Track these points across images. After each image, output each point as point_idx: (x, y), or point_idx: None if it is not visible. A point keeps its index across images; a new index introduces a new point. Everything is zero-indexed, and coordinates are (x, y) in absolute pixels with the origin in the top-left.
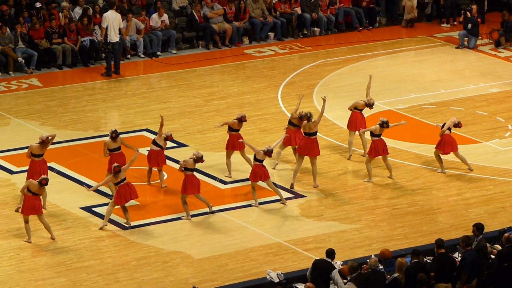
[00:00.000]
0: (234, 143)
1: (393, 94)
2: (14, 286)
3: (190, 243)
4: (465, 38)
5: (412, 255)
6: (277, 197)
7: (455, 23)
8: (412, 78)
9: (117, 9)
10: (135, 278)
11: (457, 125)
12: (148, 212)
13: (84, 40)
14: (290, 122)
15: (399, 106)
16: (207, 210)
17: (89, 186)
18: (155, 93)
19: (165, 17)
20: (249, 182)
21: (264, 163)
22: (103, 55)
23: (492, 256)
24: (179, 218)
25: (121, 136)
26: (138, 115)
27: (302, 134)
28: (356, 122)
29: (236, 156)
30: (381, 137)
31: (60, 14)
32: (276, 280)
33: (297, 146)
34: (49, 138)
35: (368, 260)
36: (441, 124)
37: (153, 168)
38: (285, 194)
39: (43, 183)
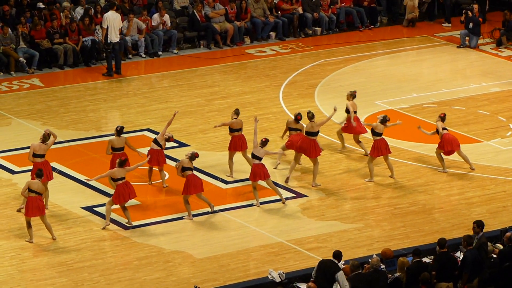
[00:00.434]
0: (236, 144)
1: (395, 93)
2: (15, 286)
3: (191, 243)
4: (467, 38)
5: (413, 255)
6: (278, 197)
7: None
8: (414, 78)
9: (117, 9)
10: (137, 278)
11: (443, 118)
12: (150, 212)
13: (85, 40)
14: (290, 129)
15: (400, 105)
16: (208, 210)
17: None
18: (156, 93)
19: (167, 17)
20: (250, 182)
21: (265, 162)
22: (104, 55)
23: (494, 256)
24: (181, 218)
25: (123, 136)
26: (139, 115)
27: (303, 136)
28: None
29: (237, 156)
30: (383, 136)
31: (62, 14)
32: (278, 279)
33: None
34: (49, 133)
35: (369, 260)
36: (423, 130)
37: (153, 168)
38: (286, 194)
39: (39, 173)
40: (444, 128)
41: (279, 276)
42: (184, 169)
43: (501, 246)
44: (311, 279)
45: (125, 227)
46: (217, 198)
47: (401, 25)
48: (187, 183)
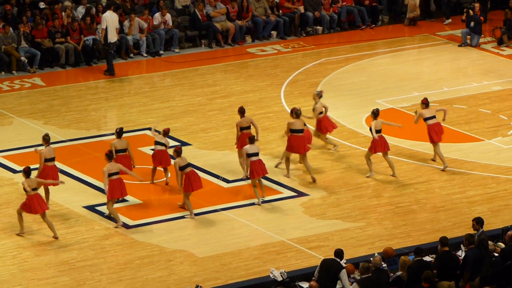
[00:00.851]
0: (244, 142)
1: (396, 92)
2: (17, 285)
3: (193, 241)
4: (468, 36)
5: (415, 253)
6: (279, 196)
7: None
8: (415, 76)
9: (115, 10)
10: (139, 276)
11: (427, 104)
12: (151, 211)
13: (87, 39)
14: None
15: (402, 104)
16: (210, 209)
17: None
18: (158, 92)
19: (168, 16)
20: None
21: (266, 161)
22: (102, 55)
23: (496, 254)
24: (183, 217)
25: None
26: (141, 114)
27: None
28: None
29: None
30: (381, 133)
31: (63, 13)
32: (279, 278)
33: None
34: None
35: (371, 259)
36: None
37: (157, 168)
38: (288, 193)
39: (25, 170)
40: (430, 118)
41: (281, 275)
42: (182, 168)
43: (502, 245)
44: (313, 278)
45: (127, 226)
46: (219, 197)
47: (403, 24)
48: (187, 180)
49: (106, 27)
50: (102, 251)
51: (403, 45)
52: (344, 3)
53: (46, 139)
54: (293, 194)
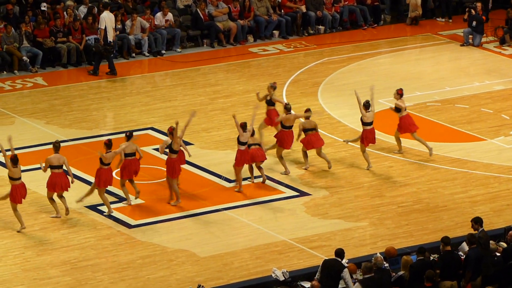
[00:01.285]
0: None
1: None
2: (19, 284)
3: (195, 241)
4: (470, 36)
5: (418, 253)
6: (280, 196)
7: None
8: (417, 76)
9: (111, 10)
10: (141, 276)
11: (402, 94)
12: (153, 210)
13: (89, 39)
14: (305, 130)
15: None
16: (212, 208)
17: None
18: (160, 92)
19: (170, 15)
20: (251, 181)
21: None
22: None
23: (498, 254)
24: (185, 217)
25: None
26: (143, 114)
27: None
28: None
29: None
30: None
31: (65, 12)
32: (282, 278)
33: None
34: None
35: (373, 258)
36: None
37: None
38: (290, 193)
39: (12, 158)
40: (396, 109)
41: (283, 275)
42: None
43: (505, 244)
44: (315, 278)
45: (129, 226)
46: (221, 196)
47: (405, 23)
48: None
49: (105, 27)
50: (104, 250)
51: (405, 44)
52: (346, 3)
53: (57, 146)
54: (295, 193)
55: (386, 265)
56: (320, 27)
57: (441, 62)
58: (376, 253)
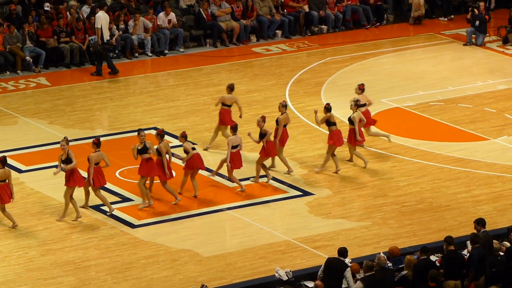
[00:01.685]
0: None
1: (401, 91)
2: (23, 284)
3: (198, 241)
4: (473, 35)
5: (421, 252)
6: (281, 195)
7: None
8: (420, 76)
9: (107, 10)
10: (144, 276)
11: (363, 90)
12: (157, 210)
13: (91, 39)
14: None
15: (406, 103)
16: (216, 208)
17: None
18: (162, 92)
19: (172, 15)
20: (254, 182)
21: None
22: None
23: (501, 253)
24: (188, 217)
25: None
26: (146, 114)
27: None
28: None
29: (253, 155)
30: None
31: (68, 13)
32: (285, 278)
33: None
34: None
35: (376, 258)
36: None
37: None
38: (293, 192)
39: (1, 159)
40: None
41: (286, 275)
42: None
43: (508, 244)
44: (318, 277)
45: (132, 226)
46: (224, 196)
47: (407, 23)
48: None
49: (101, 27)
50: (107, 250)
51: (408, 44)
52: (349, 2)
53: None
54: (298, 193)
55: (390, 264)
56: (323, 26)
57: (444, 62)
58: (379, 253)
